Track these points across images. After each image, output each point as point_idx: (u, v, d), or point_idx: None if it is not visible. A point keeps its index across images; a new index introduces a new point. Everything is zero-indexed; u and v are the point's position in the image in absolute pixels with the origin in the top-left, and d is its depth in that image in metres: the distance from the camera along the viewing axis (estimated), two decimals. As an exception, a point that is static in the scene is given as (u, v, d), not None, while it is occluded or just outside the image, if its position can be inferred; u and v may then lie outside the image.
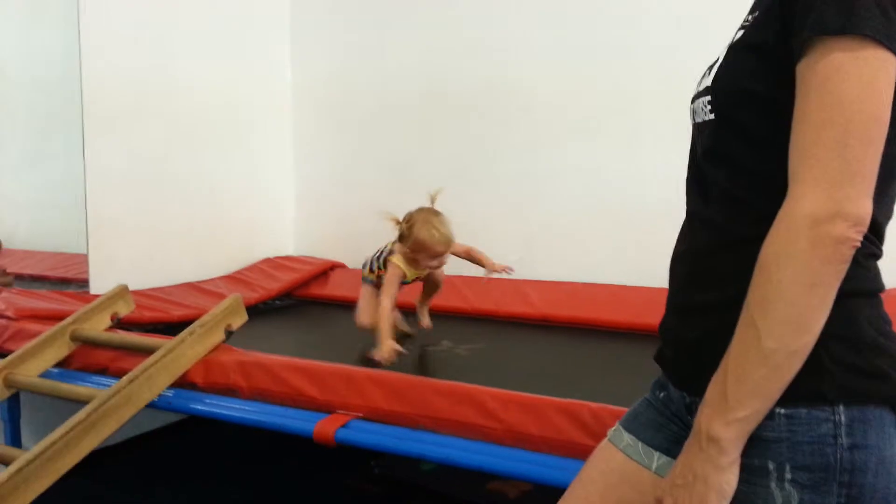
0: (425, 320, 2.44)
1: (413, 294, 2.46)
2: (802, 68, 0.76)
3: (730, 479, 0.79)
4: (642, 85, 2.74)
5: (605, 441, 1.05)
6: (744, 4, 0.92)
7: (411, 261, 2.22)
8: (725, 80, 0.85)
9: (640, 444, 0.99)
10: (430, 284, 2.41)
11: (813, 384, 0.78)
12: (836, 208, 0.73)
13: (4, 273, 2.82)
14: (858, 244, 0.74)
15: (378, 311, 2.17)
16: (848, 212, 0.73)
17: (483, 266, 2.31)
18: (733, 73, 0.84)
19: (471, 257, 2.34)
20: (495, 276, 2.32)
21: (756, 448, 0.79)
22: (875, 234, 0.81)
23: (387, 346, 2.05)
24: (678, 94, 2.57)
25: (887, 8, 0.74)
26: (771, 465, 0.79)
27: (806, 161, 0.75)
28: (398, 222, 2.21)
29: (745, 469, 0.79)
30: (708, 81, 0.88)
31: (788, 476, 0.78)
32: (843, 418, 0.77)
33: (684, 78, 2.40)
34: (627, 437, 1.01)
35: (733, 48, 0.86)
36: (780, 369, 0.76)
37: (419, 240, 2.15)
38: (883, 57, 0.73)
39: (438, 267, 2.27)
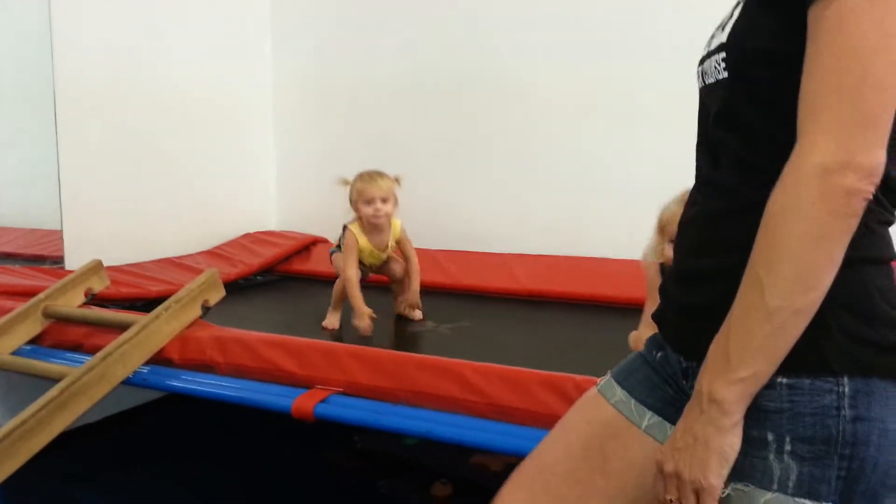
0: (415, 313, 2.36)
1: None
2: (813, 13, 0.72)
3: (732, 442, 0.76)
4: (638, 68, 2.71)
5: (593, 390, 1.02)
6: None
7: (362, 224, 2.24)
8: (742, 36, 0.80)
9: (633, 401, 0.96)
10: (394, 280, 2.39)
11: (818, 353, 0.75)
12: (847, 158, 0.69)
13: None
14: (870, 196, 0.70)
15: (344, 282, 2.21)
16: (860, 162, 0.69)
17: (402, 293, 2.37)
18: (750, 30, 0.80)
19: (406, 259, 2.35)
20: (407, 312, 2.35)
21: (755, 418, 0.76)
22: (890, 199, 0.77)
23: (364, 315, 2.12)
24: (673, 77, 2.56)
25: None
26: (770, 437, 0.76)
27: (816, 110, 0.71)
28: (346, 182, 2.26)
29: (743, 440, 0.77)
30: (722, 38, 0.83)
31: (788, 448, 0.75)
32: (846, 389, 0.74)
33: (680, 61, 2.38)
34: (620, 393, 0.98)
35: (749, 4, 0.81)
36: (784, 328, 0.72)
37: (356, 188, 2.22)
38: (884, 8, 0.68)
39: (376, 216, 2.21)
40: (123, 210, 2.82)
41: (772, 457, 0.76)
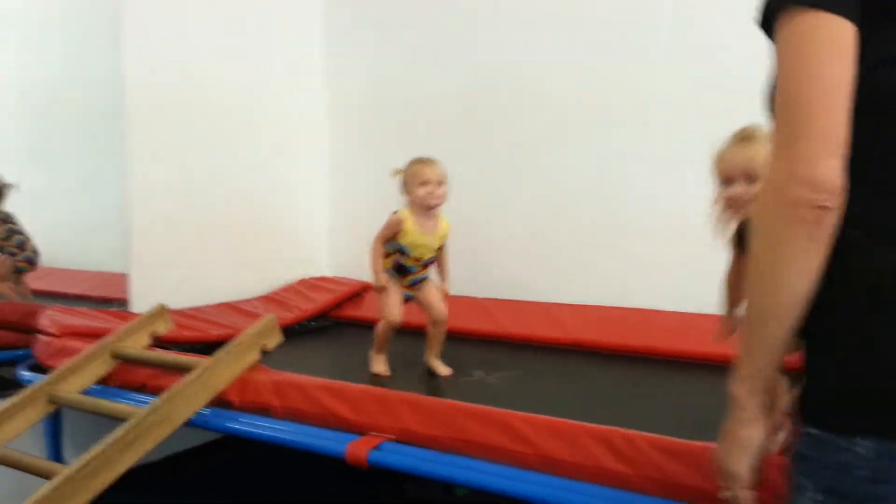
0: (441, 369, 2.33)
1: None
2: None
3: (751, 434, 0.86)
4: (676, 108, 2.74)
5: None
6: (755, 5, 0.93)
7: (414, 207, 2.25)
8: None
9: None
10: (432, 318, 2.33)
11: (834, 410, 0.78)
12: (789, 171, 0.75)
13: (22, 287, 2.91)
14: (824, 204, 0.74)
15: (371, 252, 2.26)
16: (801, 173, 0.74)
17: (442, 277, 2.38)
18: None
19: (440, 263, 2.36)
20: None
21: (798, 464, 0.83)
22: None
23: (381, 279, 2.24)
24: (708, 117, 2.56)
25: None
26: (802, 481, 0.82)
27: (773, 133, 0.79)
28: (397, 172, 2.30)
29: (792, 485, 0.83)
30: None
31: (817, 497, 0.80)
32: (863, 451, 0.75)
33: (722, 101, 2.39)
34: None
35: None
36: (764, 328, 0.81)
37: (410, 170, 2.25)
38: (813, 19, 0.75)
39: (436, 200, 2.23)
40: (186, 254, 2.93)
41: (807, 502, 0.81)
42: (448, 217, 2.35)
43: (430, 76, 3.30)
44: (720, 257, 2.06)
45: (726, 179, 1.51)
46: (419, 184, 2.22)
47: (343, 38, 3.55)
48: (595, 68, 2.90)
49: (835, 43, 0.74)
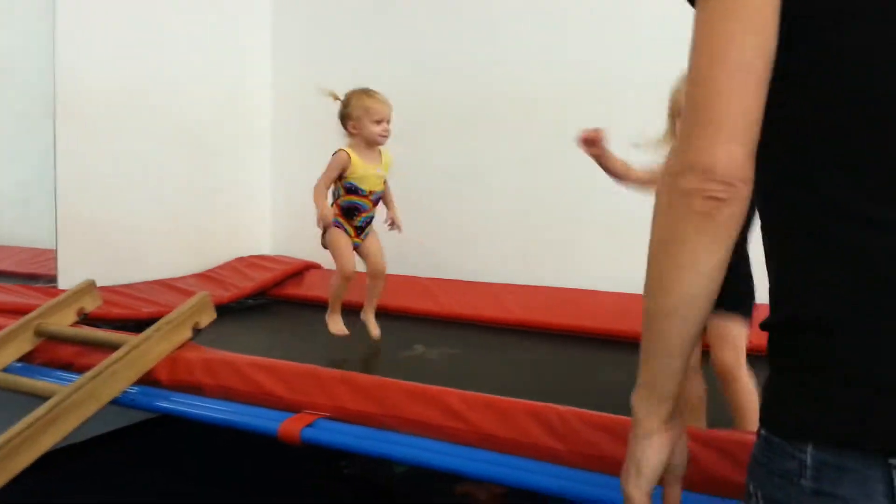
0: (374, 331, 2.34)
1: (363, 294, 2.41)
2: None
3: (646, 454, 0.75)
4: (631, 103, 2.76)
5: None
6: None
7: (357, 141, 2.21)
8: None
9: None
10: (372, 270, 2.34)
11: (784, 412, 0.69)
12: (685, 160, 0.68)
13: None
14: (717, 195, 0.67)
15: (314, 192, 2.19)
16: (696, 161, 0.67)
17: (389, 212, 2.35)
18: None
19: (386, 197, 2.35)
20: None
21: (749, 468, 0.73)
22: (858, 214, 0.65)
23: (326, 212, 2.16)
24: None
25: None
26: (751, 488, 0.72)
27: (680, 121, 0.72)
28: (336, 97, 2.24)
29: (744, 491, 0.73)
30: None
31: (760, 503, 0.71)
32: (809, 459, 0.66)
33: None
34: None
35: None
36: (658, 331, 0.73)
37: (362, 104, 2.18)
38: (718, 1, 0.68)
39: (384, 135, 2.20)
40: (117, 231, 2.84)
41: None
42: (398, 194, 2.33)
43: (372, 64, 3.26)
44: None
45: (677, 114, 1.49)
46: (374, 121, 2.17)
47: (292, 23, 3.47)
48: (549, 64, 2.91)
49: (749, 18, 0.67)
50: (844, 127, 0.66)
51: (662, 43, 2.65)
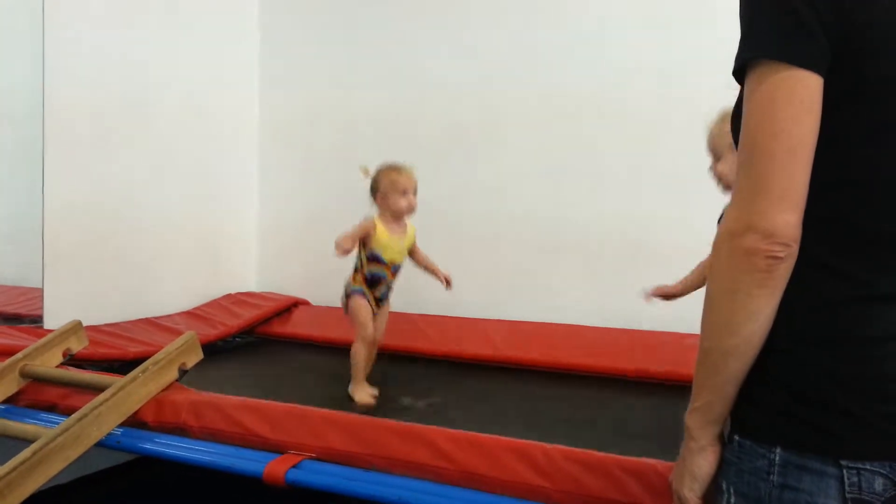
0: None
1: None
2: None
3: (700, 464, 0.90)
4: (607, 132, 2.81)
5: None
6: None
7: (386, 215, 2.25)
8: None
9: None
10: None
11: (757, 421, 0.85)
12: (747, 222, 0.79)
13: None
14: (777, 255, 0.79)
15: (338, 239, 2.16)
16: (757, 225, 0.78)
17: (436, 276, 2.38)
18: None
19: (427, 266, 2.39)
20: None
21: (721, 468, 0.89)
22: (858, 273, 0.82)
23: (346, 242, 2.14)
24: (636, 140, 2.66)
25: (782, 22, 0.78)
26: (724, 485, 0.88)
27: (734, 183, 0.82)
28: (367, 173, 2.29)
29: (714, 488, 0.90)
30: None
31: (732, 500, 0.87)
32: (777, 458, 0.83)
33: (646, 123, 2.47)
34: None
35: None
36: (717, 366, 0.85)
37: (388, 178, 2.23)
38: (783, 74, 0.77)
39: (409, 207, 2.25)
40: (104, 269, 2.83)
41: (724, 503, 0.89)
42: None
43: (364, 91, 3.31)
44: (641, 276, 2.12)
45: (714, 155, 1.61)
46: (400, 193, 2.23)
47: (277, 52, 3.52)
48: (538, 84, 2.95)
49: (803, 100, 0.77)
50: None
51: (648, 65, 2.75)
